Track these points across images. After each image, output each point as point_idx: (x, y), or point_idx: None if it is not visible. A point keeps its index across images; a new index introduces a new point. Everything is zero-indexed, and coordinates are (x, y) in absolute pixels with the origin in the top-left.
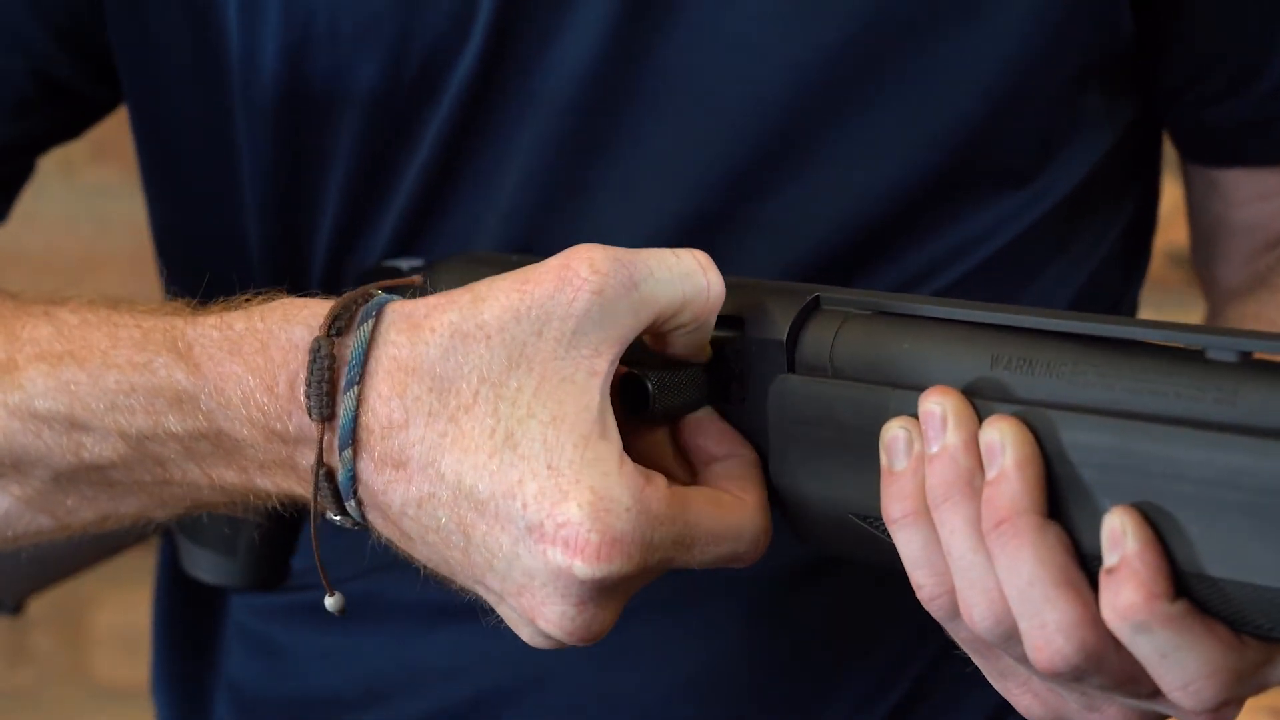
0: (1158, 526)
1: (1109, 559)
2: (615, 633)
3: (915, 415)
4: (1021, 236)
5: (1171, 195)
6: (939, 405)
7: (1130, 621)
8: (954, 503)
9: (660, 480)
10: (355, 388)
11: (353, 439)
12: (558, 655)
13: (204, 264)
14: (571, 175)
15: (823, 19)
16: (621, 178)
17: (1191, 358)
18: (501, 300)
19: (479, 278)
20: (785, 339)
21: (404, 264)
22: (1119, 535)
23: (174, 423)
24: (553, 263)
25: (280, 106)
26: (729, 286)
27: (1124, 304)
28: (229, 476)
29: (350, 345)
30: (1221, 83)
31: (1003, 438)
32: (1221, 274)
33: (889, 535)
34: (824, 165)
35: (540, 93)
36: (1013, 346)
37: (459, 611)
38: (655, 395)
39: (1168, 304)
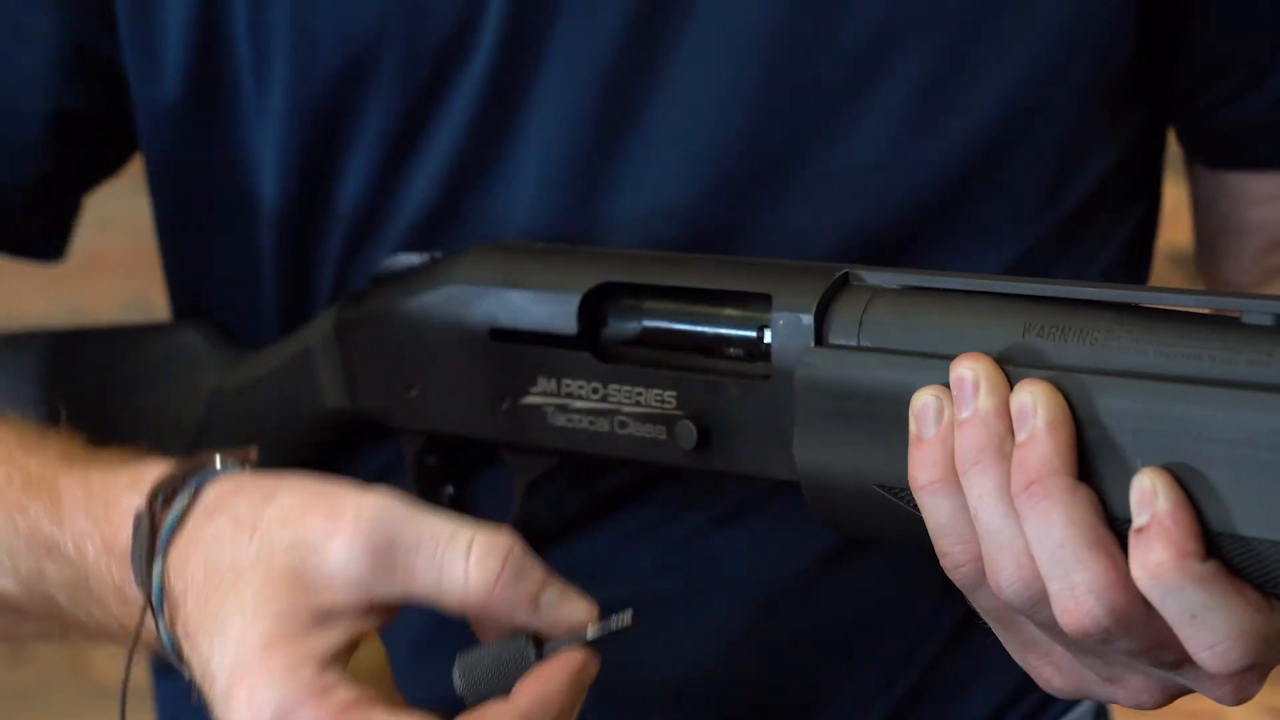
0: (1189, 487)
1: (1139, 518)
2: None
3: (945, 384)
4: (1030, 248)
5: (1170, 195)
6: (971, 370)
7: (1160, 580)
8: (984, 466)
9: (335, 701)
10: (160, 559)
11: (163, 608)
12: None
13: (214, 270)
14: (588, 176)
15: (836, 19)
16: (637, 177)
17: (1226, 323)
18: (282, 507)
19: (500, 263)
20: (814, 313)
21: (415, 257)
22: (1150, 494)
23: (51, 568)
24: (333, 500)
25: (291, 109)
26: (754, 266)
27: None
28: (109, 623)
29: (167, 518)
30: (1232, 85)
31: (1034, 400)
32: (1230, 273)
33: (914, 506)
34: (837, 169)
35: (555, 92)
36: (1045, 315)
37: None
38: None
39: None
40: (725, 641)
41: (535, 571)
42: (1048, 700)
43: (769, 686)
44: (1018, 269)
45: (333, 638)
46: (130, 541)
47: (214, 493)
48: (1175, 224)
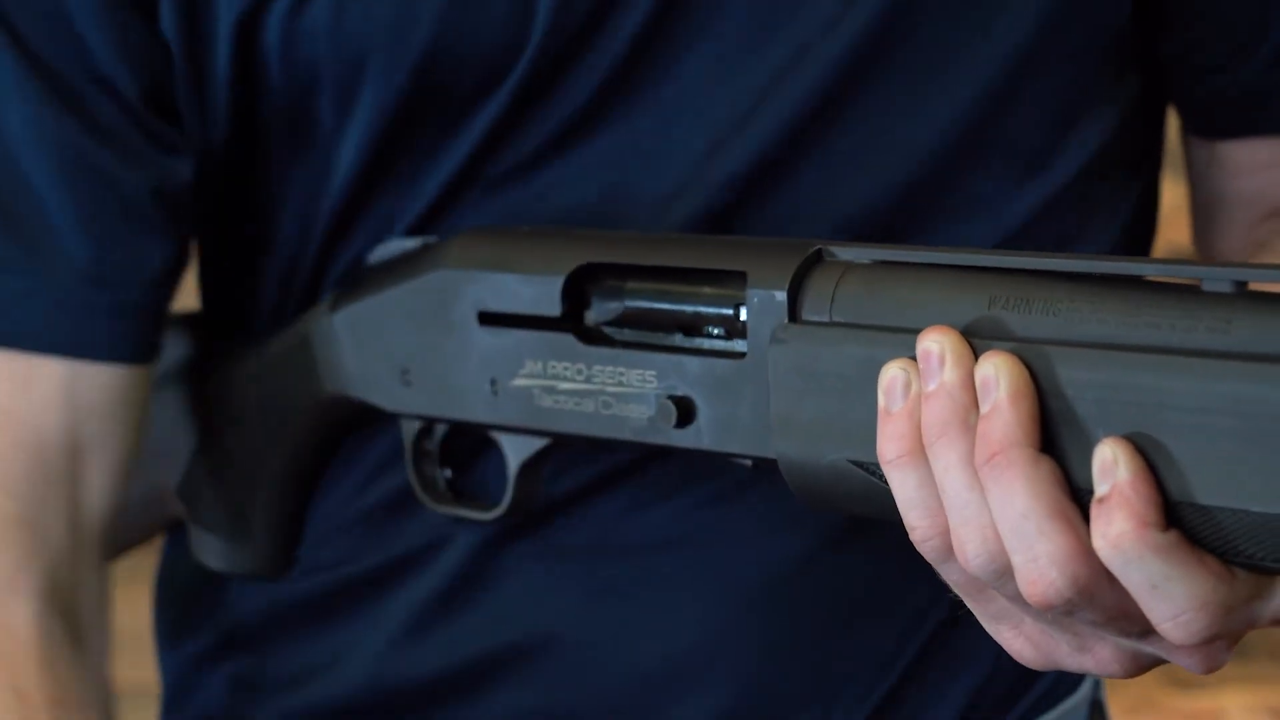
0: (1150, 456)
1: (1100, 488)
2: (621, 605)
3: (913, 358)
4: (1030, 219)
5: (1170, 196)
6: (937, 344)
7: (1121, 551)
8: (949, 439)
9: None
10: None
11: None
12: (565, 623)
13: (257, 280)
14: (606, 162)
15: (838, 6)
16: (655, 162)
17: (1186, 291)
18: None
19: (487, 247)
20: (787, 289)
21: (408, 242)
22: (1110, 464)
23: None
24: None
25: (368, 129)
26: (731, 244)
27: None
28: None
29: None
30: (1221, 52)
31: (997, 371)
32: (1223, 246)
33: (885, 481)
34: (837, 149)
35: (574, 97)
36: (1010, 287)
37: (460, 606)
38: None
39: None
40: (726, 616)
41: None
42: (1032, 677)
43: (770, 662)
44: (1019, 246)
45: None
46: None
47: None
48: (1175, 224)
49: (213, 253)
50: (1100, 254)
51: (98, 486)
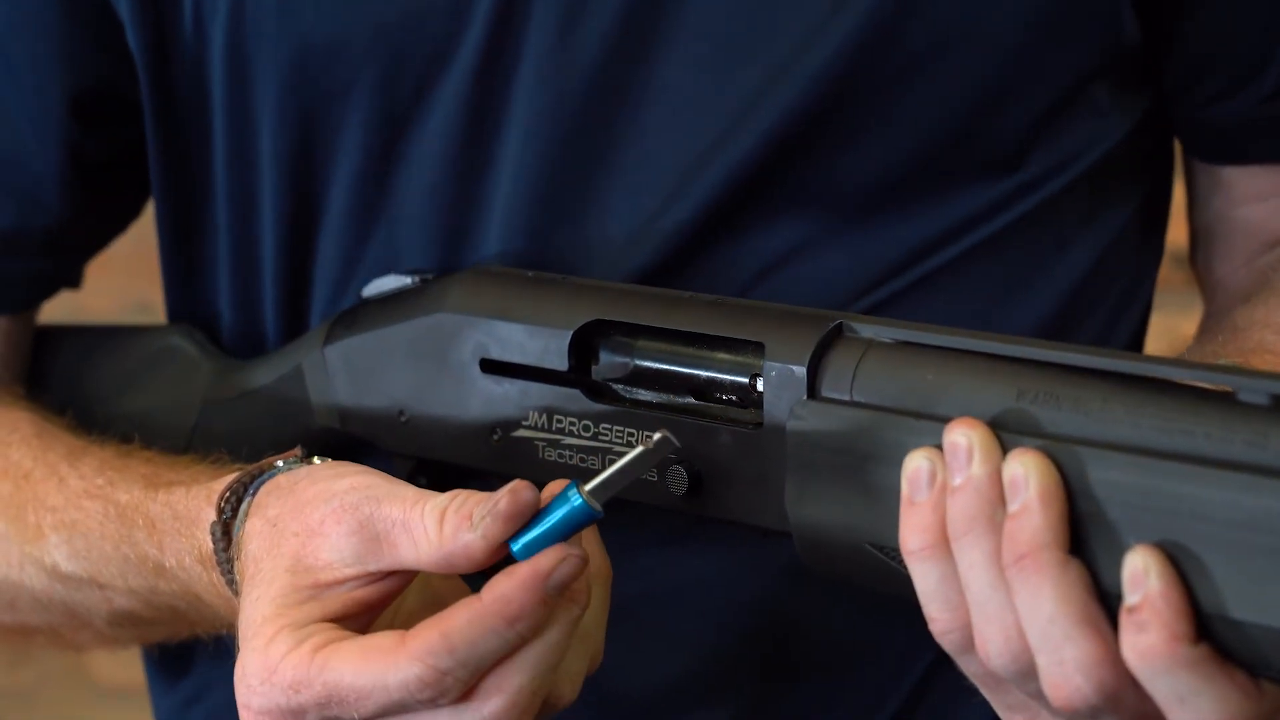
0: (1181, 567)
1: (1131, 598)
2: (625, 628)
3: (938, 446)
4: (1021, 221)
5: (1174, 195)
6: (965, 437)
7: (1150, 663)
8: (975, 536)
9: (308, 645)
10: (235, 561)
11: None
12: None
13: (217, 278)
14: (562, 198)
15: (819, 40)
16: (612, 202)
17: (1222, 398)
18: (296, 498)
19: (490, 292)
20: (807, 365)
21: (405, 279)
22: (1141, 574)
23: (163, 585)
24: (330, 489)
25: (278, 120)
26: (747, 311)
27: (1138, 296)
28: (230, 619)
29: (234, 524)
30: (1224, 81)
31: (1026, 471)
32: (1222, 274)
33: (905, 567)
34: (814, 187)
35: (527, 116)
36: (1039, 381)
37: None
38: None
39: (1170, 304)
40: (732, 628)
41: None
42: None
43: (780, 673)
44: (1014, 247)
45: (327, 605)
46: (214, 552)
47: (262, 492)
48: (1178, 223)
49: (170, 250)
50: (1131, 351)
51: None
